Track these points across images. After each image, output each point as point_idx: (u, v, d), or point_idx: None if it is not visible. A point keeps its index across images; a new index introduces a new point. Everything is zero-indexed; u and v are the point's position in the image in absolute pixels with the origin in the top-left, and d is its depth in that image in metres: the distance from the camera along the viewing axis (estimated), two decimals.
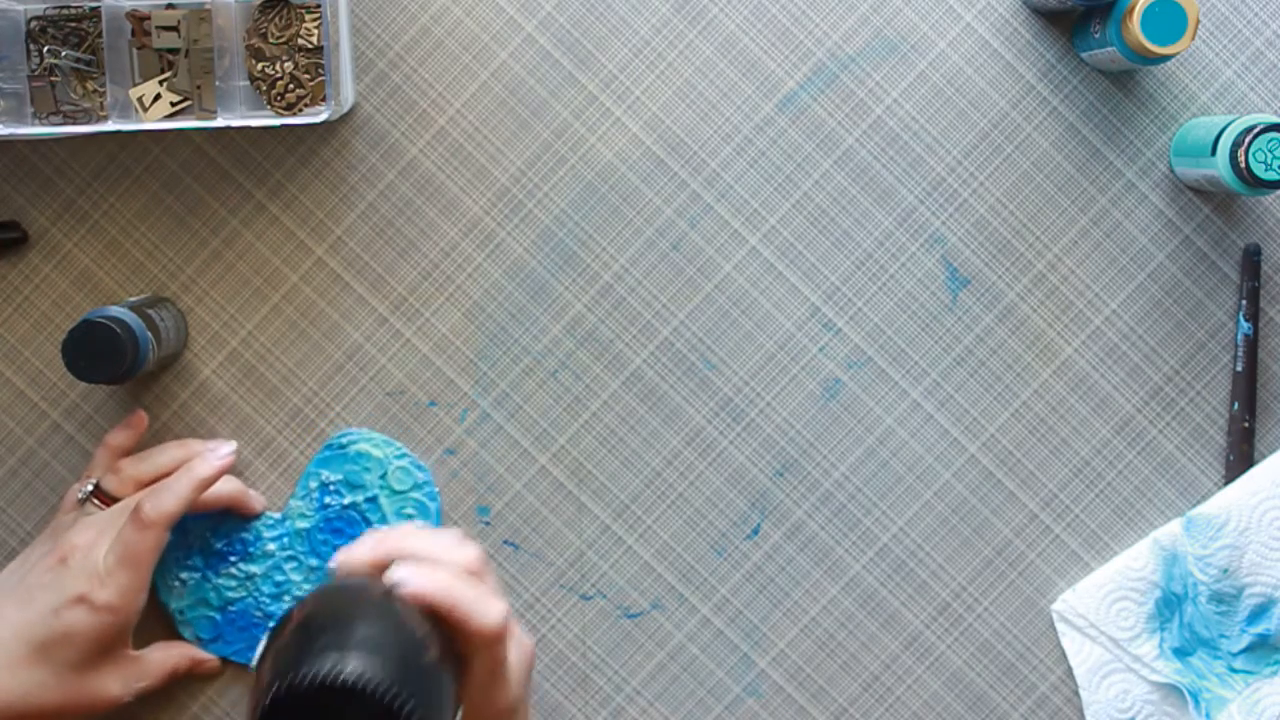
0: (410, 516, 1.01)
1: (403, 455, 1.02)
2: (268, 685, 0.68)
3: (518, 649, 0.78)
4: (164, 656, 0.99)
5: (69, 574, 0.92)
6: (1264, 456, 1.02)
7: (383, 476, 1.01)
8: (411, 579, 0.74)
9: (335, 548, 1.01)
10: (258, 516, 1.01)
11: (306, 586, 1.01)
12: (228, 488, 0.99)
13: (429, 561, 0.76)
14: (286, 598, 1.01)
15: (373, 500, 1.01)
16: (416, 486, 1.02)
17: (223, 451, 0.96)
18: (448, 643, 0.74)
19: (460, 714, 0.76)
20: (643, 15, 1.02)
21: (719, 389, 1.02)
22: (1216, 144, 0.94)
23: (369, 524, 1.01)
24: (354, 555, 0.77)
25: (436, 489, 1.02)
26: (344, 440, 1.02)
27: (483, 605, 0.75)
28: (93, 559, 0.92)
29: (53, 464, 1.02)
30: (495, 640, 0.75)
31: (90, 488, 0.97)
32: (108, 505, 0.97)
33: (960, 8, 1.01)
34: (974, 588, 1.03)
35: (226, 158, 1.02)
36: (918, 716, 1.03)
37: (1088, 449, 1.02)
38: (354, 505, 1.01)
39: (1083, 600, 1.01)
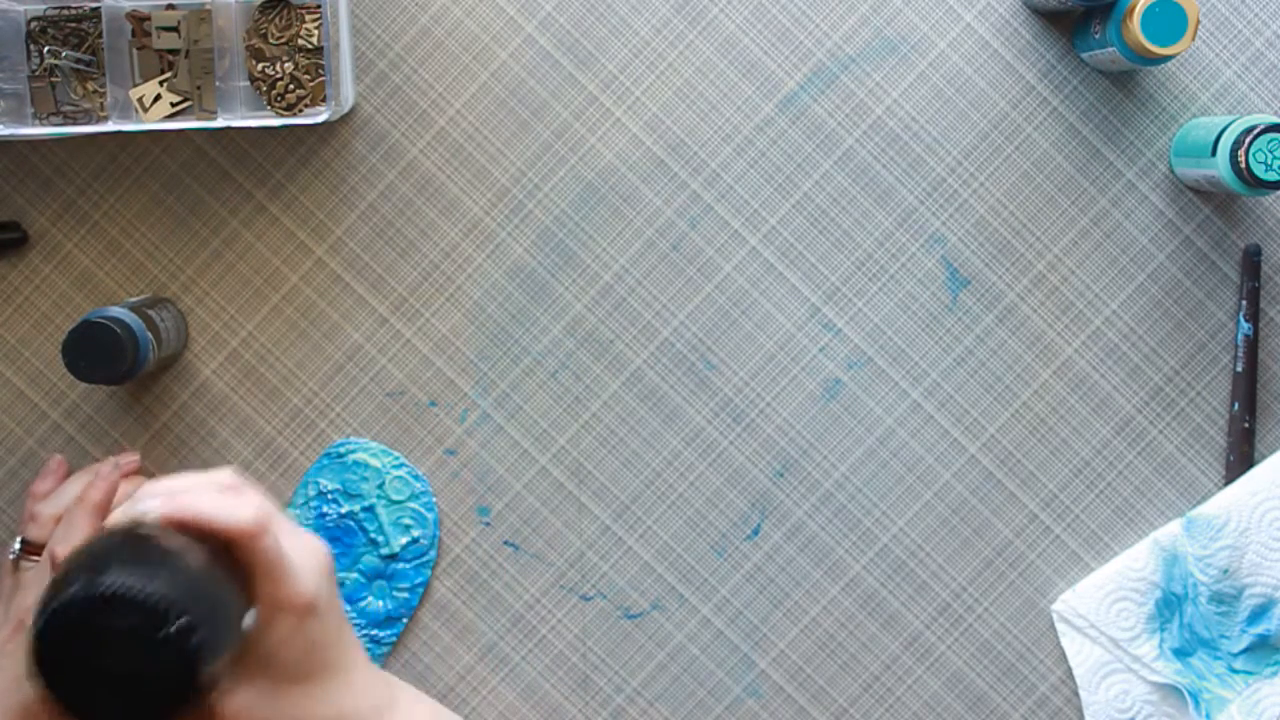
0: (408, 526, 1.01)
1: (400, 465, 1.02)
2: (32, 622, 0.69)
3: (300, 546, 0.80)
4: None
5: (27, 639, 0.92)
6: (1264, 457, 1.02)
7: (380, 486, 1.01)
8: (152, 504, 0.76)
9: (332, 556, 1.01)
10: None
11: None
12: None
13: (174, 489, 0.78)
14: None
15: (370, 509, 1.01)
16: (414, 496, 1.02)
17: (105, 470, 0.95)
18: (217, 554, 0.75)
19: (254, 615, 0.77)
20: (643, 16, 1.02)
21: (719, 389, 1.02)
22: (1217, 144, 0.94)
23: (366, 533, 1.01)
24: (113, 515, 0.79)
25: (434, 499, 1.02)
26: (342, 449, 1.02)
27: (228, 507, 0.76)
28: None
29: None
30: (253, 535, 0.76)
31: (18, 546, 0.96)
32: (39, 555, 0.95)
33: (960, 8, 1.01)
34: (974, 588, 1.03)
35: (227, 158, 1.02)
36: (918, 717, 1.03)
37: (1088, 449, 1.02)
38: (351, 514, 1.01)
39: (1083, 600, 1.01)
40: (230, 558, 0.77)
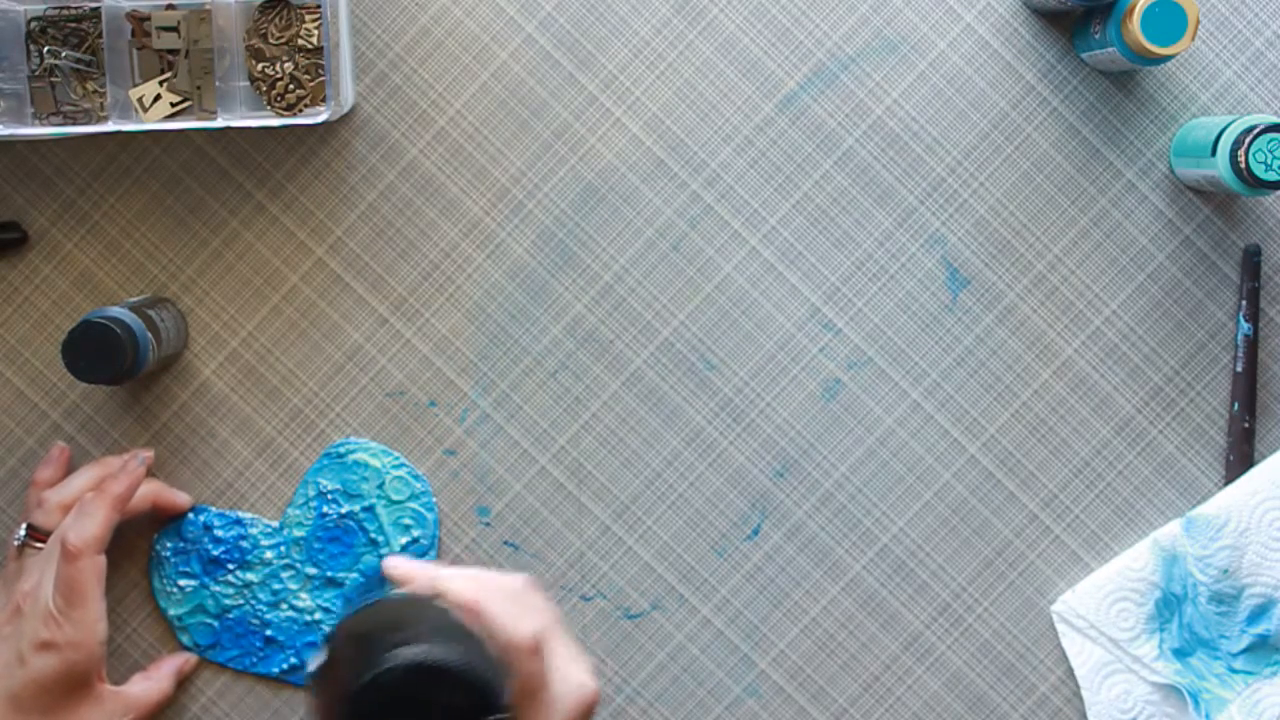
0: (407, 527, 1.01)
1: (400, 465, 1.02)
2: (353, 677, 0.67)
3: (570, 679, 0.79)
4: (145, 690, 0.97)
5: (25, 622, 0.92)
6: (1264, 457, 1.02)
7: (380, 486, 1.01)
8: (455, 584, 0.77)
9: (332, 556, 1.01)
10: (185, 513, 1.01)
11: (304, 595, 1.01)
12: (144, 490, 0.98)
13: (472, 576, 0.79)
14: (283, 605, 1.01)
15: (370, 510, 1.01)
16: (414, 496, 1.02)
17: (132, 465, 0.96)
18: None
19: None
20: (643, 16, 1.02)
21: (719, 389, 1.02)
22: (1216, 144, 0.94)
23: (366, 533, 1.01)
24: (401, 564, 0.80)
25: (434, 499, 1.02)
26: (342, 449, 1.02)
27: (516, 618, 0.77)
28: (42, 601, 0.91)
29: None
30: (527, 654, 0.76)
31: (23, 531, 0.96)
32: (45, 541, 0.96)
33: (960, 8, 1.01)
34: (974, 588, 1.03)
35: (226, 158, 1.02)
36: (918, 717, 1.03)
37: (1088, 449, 1.02)
38: (351, 514, 1.01)
39: (1082, 601, 1.01)
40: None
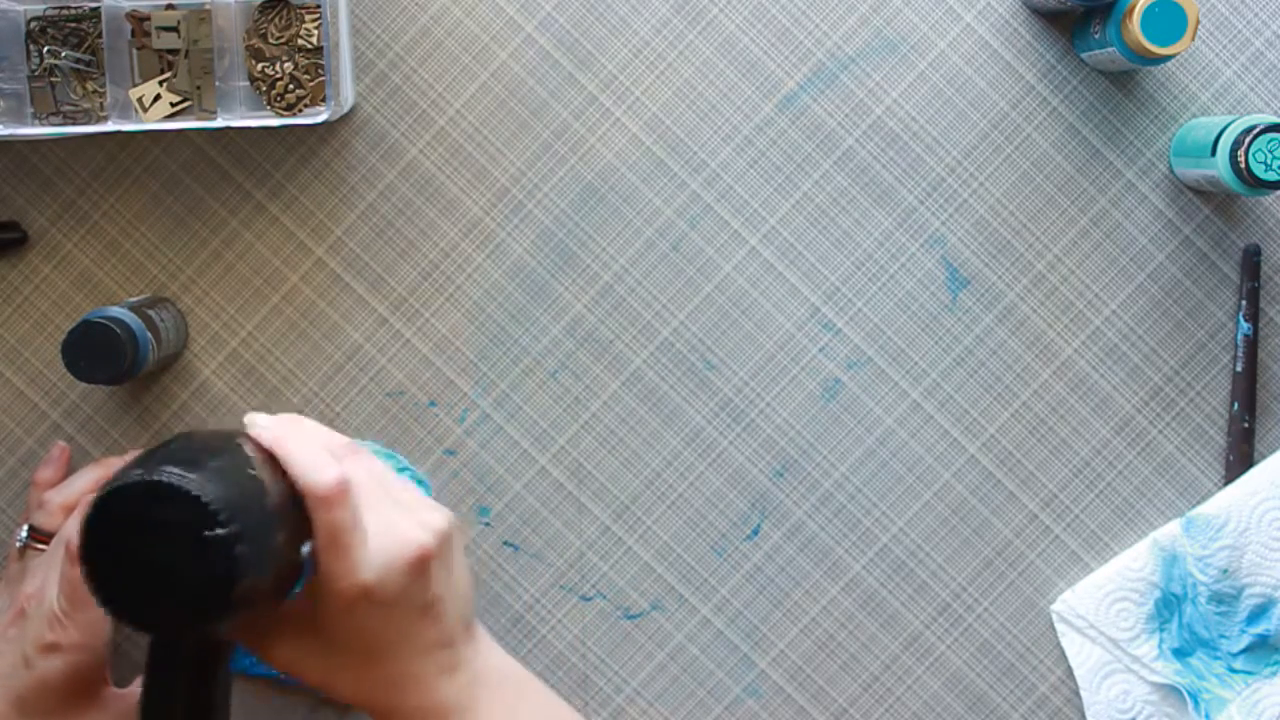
0: None
1: (404, 469, 1.01)
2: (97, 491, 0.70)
3: (389, 532, 0.75)
4: None
5: (30, 624, 0.91)
6: (1264, 457, 1.02)
7: None
8: (259, 422, 0.75)
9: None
10: None
11: None
12: None
13: (286, 422, 0.76)
14: None
15: None
16: None
17: None
18: (298, 509, 0.74)
19: (309, 548, 0.75)
20: (643, 16, 1.02)
21: (719, 389, 1.02)
22: (1216, 144, 0.94)
23: None
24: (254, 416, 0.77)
25: (434, 499, 1.02)
26: None
27: (314, 464, 0.73)
28: (47, 604, 0.91)
29: None
30: (325, 503, 0.73)
31: (25, 533, 0.96)
32: (47, 543, 0.95)
33: (960, 8, 1.01)
34: (974, 588, 1.03)
35: (226, 158, 1.02)
36: (918, 717, 1.03)
37: (1088, 449, 1.02)
38: None
39: (1082, 601, 1.01)
40: (306, 515, 0.75)
